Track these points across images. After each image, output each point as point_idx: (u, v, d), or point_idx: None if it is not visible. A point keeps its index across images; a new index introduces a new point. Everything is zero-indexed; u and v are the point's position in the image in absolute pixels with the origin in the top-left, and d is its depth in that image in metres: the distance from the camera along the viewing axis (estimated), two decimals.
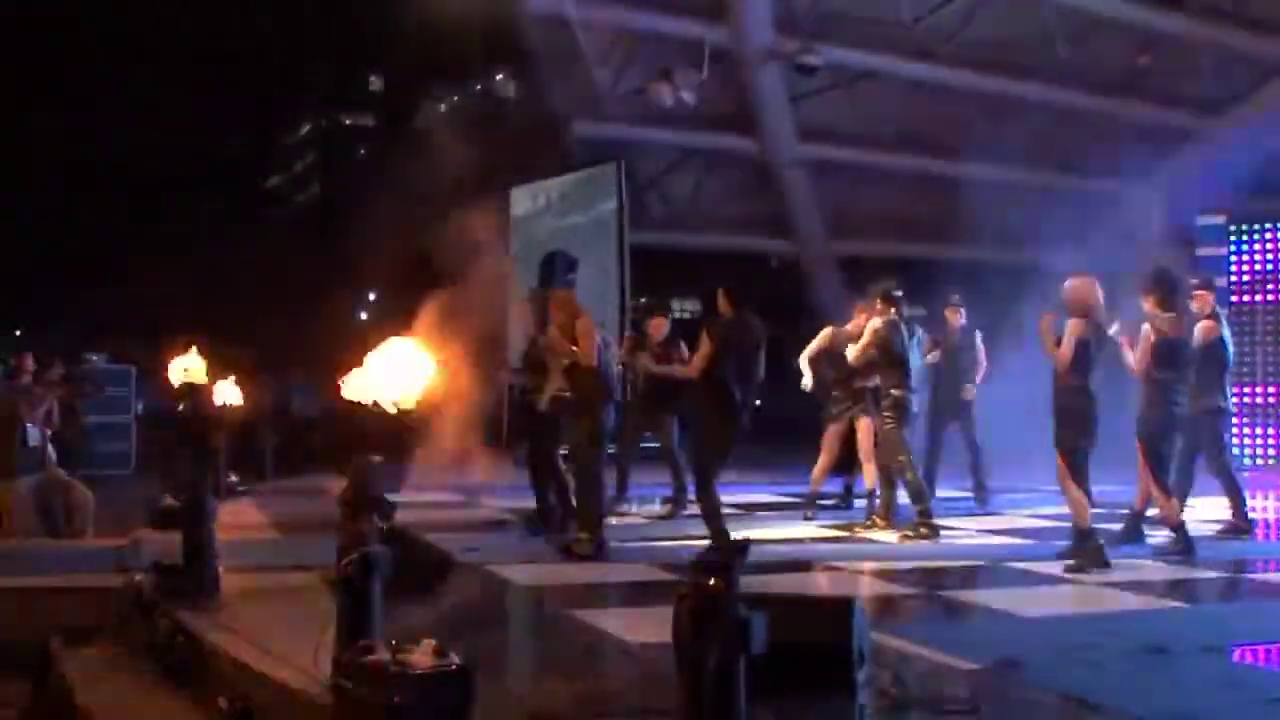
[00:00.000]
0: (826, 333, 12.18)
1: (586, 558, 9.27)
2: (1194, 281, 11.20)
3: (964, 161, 20.27)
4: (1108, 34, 19.65)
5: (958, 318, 13.15)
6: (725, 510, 9.58)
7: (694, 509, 10.97)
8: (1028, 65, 20.00)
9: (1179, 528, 9.59)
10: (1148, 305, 9.78)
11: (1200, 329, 10.58)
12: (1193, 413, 10.49)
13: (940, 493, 12.99)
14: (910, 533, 10.53)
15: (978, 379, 13.07)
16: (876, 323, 10.93)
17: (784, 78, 20.44)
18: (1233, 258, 18.13)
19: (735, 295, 9.64)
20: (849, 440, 12.08)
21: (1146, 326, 9.72)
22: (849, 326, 11.80)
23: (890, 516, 11.06)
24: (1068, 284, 9.09)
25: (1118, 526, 10.15)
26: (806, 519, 11.93)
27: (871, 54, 20.38)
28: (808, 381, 12.13)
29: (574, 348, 9.58)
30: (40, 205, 31.09)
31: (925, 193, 23.39)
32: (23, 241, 30.83)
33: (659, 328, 12.59)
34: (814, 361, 12.07)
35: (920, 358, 11.65)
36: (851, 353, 11.24)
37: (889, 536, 10.73)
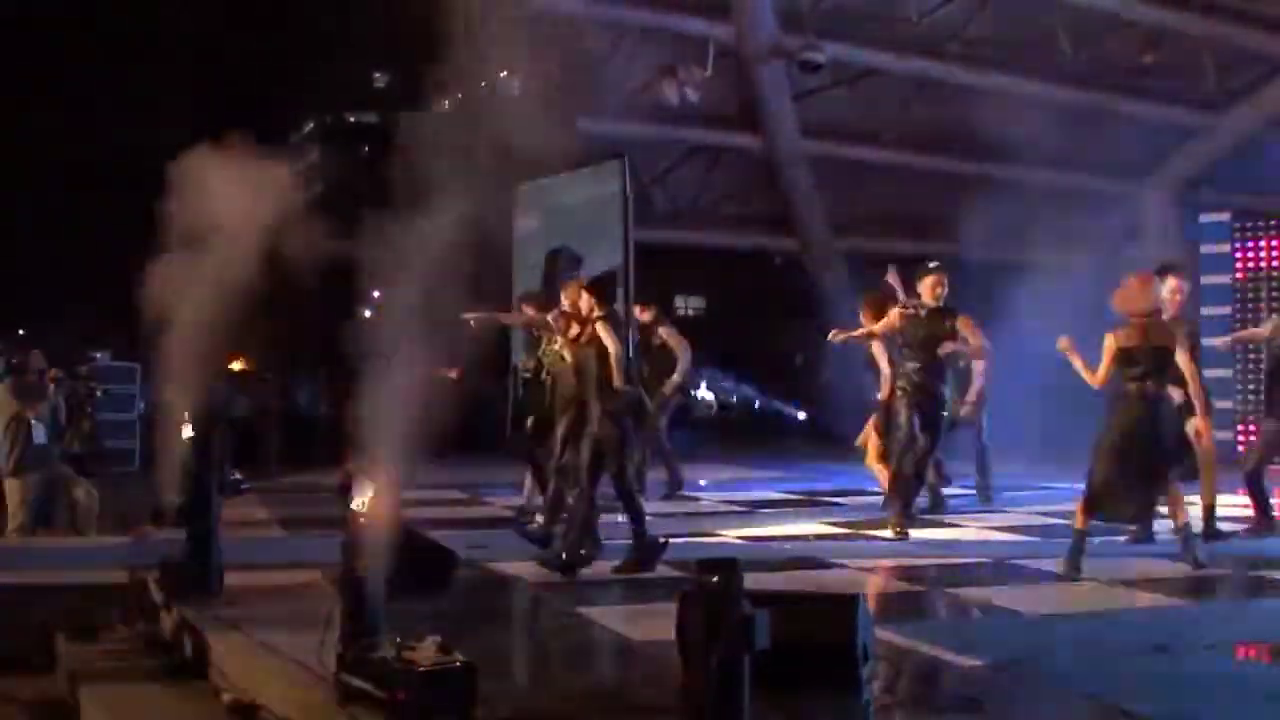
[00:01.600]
0: (895, 314, 11.22)
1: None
2: None
3: (967, 159, 20.26)
4: (1111, 31, 19.65)
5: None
6: (731, 508, 9.53)
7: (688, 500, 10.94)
8: (1031, 63, 20.02)
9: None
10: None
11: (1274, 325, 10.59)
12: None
13: (947, 491, 13.06)
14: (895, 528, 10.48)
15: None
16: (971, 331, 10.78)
17: (788, 75, 20.43)
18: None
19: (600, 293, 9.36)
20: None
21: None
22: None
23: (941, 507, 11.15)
24: (1132, 286, 8.61)
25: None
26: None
27: (875, 51, 20.38)
28: (884, 390, 11.67)
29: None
30: (40, 205, 31.12)
31: (928, 190, 23.40)
32: (24, 240, 30.87)
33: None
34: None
35: None
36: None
37: (886, 532, 10.73)
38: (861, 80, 21.54)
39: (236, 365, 15.40)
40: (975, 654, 6.04)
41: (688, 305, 31.44)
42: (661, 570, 8.68)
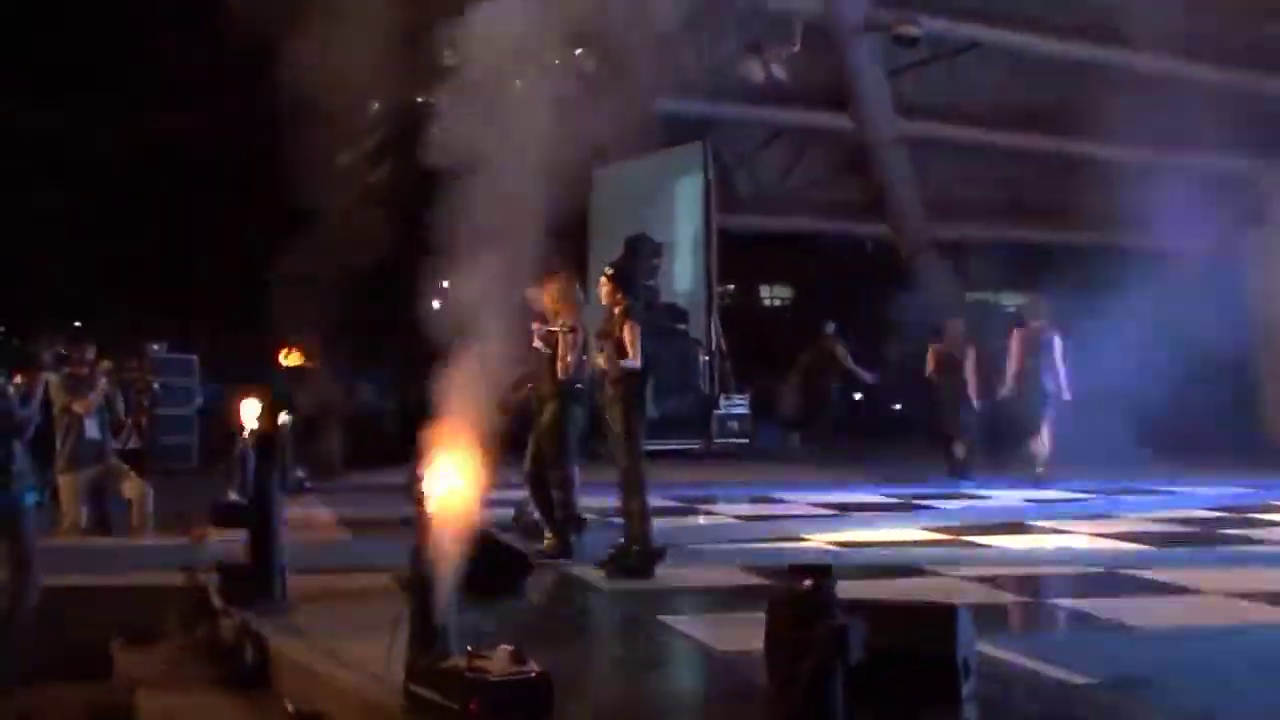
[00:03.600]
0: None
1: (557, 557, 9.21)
2: None
3: (1075, 139, 20.01)
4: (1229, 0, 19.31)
5: None
6: (819, 511, 9.36)
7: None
8: (1142, 34, 19.70)
9: None
10: None
11: None
12: None
13: (1053, 494, 13.05)
14: None
15: None
16: None
17: (881, 51, 20.30)
18: None
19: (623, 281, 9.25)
20: None
21: None
22: None
23: None
24: None
25: None
26: None
27: (975, 25, 20.18)
28: None
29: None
30: (91, 202, 31.62)
31: (1032, 172, 23.15)
32: (76, 236, 31.39)
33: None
34: None
35: None
36: None
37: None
38: (960, 56, 21.35)
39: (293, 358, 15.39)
40: (1084, 672, 5.95)
41: (773, 294, 31.17)
42: (748, 577, 8.65)
